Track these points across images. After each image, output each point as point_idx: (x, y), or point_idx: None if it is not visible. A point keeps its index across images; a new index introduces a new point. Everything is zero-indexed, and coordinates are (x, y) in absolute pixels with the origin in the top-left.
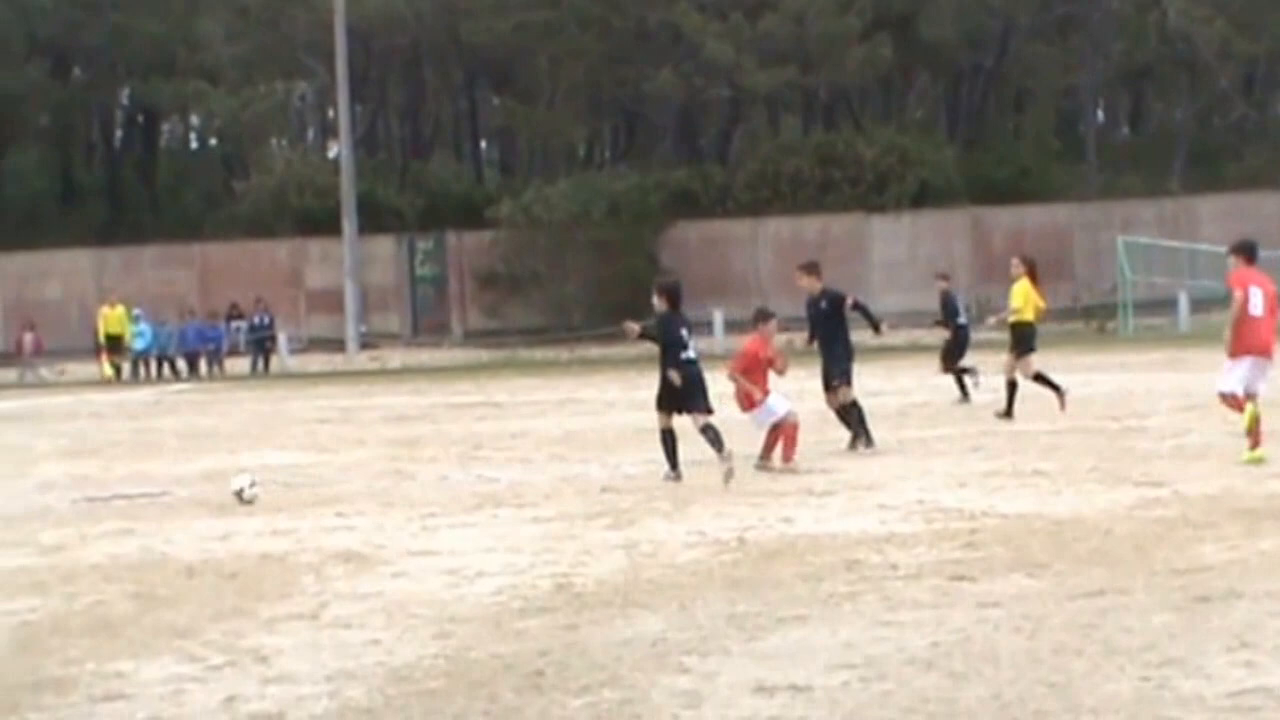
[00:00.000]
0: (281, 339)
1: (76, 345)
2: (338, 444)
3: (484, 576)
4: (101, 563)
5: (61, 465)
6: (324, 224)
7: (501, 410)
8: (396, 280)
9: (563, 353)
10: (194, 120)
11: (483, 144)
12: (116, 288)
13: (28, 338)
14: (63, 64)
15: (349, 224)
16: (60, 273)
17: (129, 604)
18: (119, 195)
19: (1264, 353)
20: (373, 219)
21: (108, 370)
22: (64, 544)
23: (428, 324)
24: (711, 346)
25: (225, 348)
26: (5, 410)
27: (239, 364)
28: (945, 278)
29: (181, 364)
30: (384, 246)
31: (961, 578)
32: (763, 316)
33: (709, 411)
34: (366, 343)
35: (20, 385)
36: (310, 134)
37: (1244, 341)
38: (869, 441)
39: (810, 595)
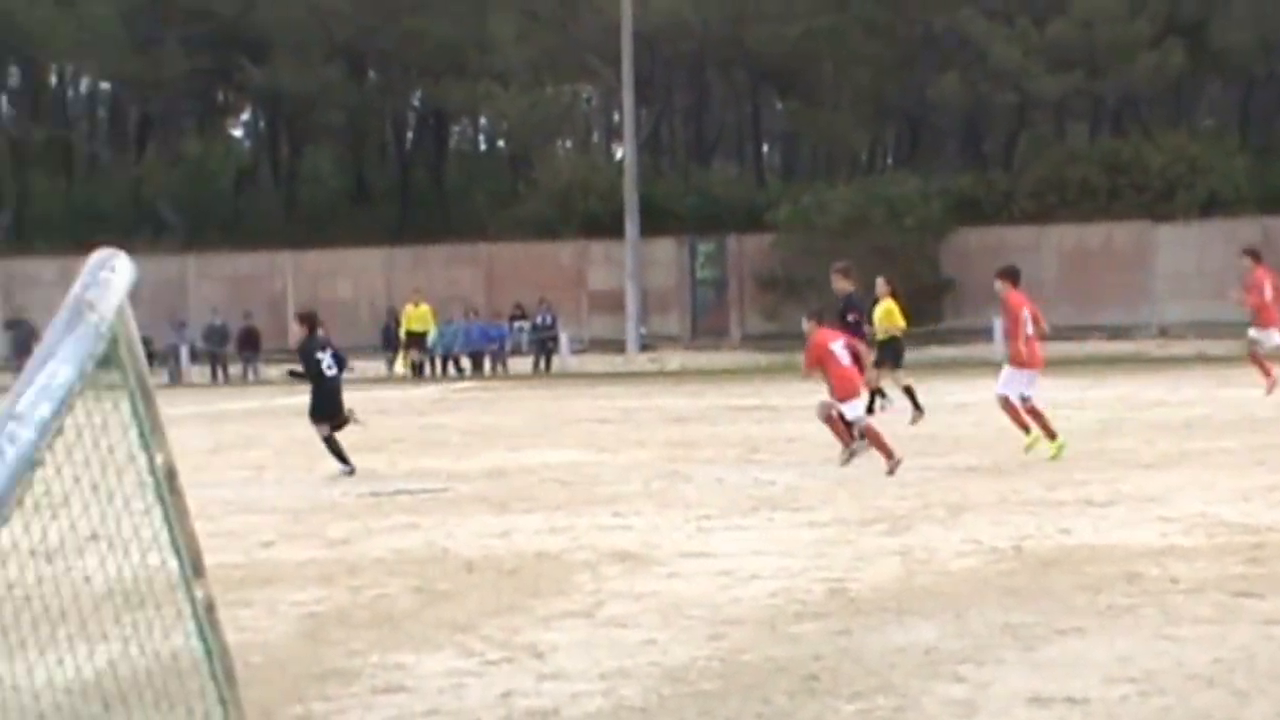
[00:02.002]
0: (563, 339)
1: (365, 343)
2: (616, 444)
3: (758, 579)
4: (385, 557)
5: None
6: (607, 226)
7: (778, 413)
8: (677, 282)
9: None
10: (483, 122)
11: (764, 148)
12: (421, 287)
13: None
14: (358, 66)
15: (631, 226)
16: (351, 271)
17: (411, 598)
18: (409, 195)
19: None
20: (655, 221)
21: (401, 368)
22: (350, 537)
23: (707, 326)
24: (990, 354)
25: (508, 347)
26: (296, 405)
27: (521, 363)
28: None
29: (466, 362)
30: (665, 249)
31: (1245, 594)
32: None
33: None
34: (646, 344)
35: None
36: (595, 136)
37: (1035, 355)
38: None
39: (1088, 607)
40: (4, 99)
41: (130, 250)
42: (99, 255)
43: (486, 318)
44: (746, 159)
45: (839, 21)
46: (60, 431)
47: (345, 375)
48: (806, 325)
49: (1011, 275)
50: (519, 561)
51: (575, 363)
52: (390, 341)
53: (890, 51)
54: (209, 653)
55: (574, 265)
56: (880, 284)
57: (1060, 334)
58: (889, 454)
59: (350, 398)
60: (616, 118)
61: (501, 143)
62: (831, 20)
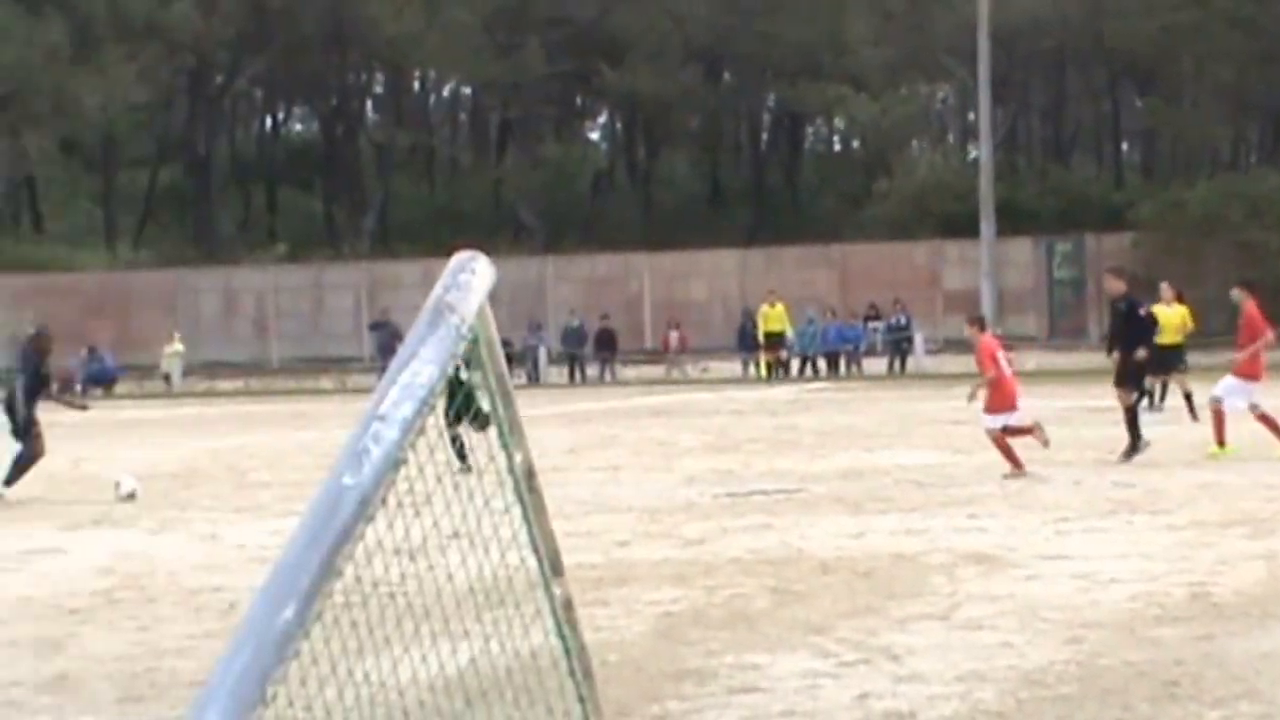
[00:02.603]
0: (918, 340)
1: (719, 344)
2: (971, 445)
3: (1117, 583)
4: (740, 557)
5: (704, 460)
6: (962, 226)
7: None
8: (1034, 283)
9: (1202, 358)
10: (837, 123)
11: (1124, 145)
12: (775, 288)
13: (673, 335)
14: (714, 69)
15: (987, 226)
16: (705, 273)
17: (766, 598)
18: (763, 197)
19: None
20: (1011, 221)
21: (762, 368)
22: (705, 537)
23: (1064, 327)
24: None
25: (863, 348)
26: (653, 405)
27: (876, 364)
28: None
29: (821, 363)
30: (1021, 249)
31: None
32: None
33: None
34: (1002, 345)
35: (667, 381)
36: (950, 136)
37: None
38: (1134, 449)
39: None
40: (369, 105)
41: (490, 252)
42: (460, 257)
43: (841, 319)
44: (1105, 157)
45: (1200, 16)
46: (423, 431)
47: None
48: (968, 331)
49: (1249, 286)
50: (874, 563)
51: (930, 363)
52: (745, 342)
53: (1253, 45)
54: (568, 651)
55: (928, 266)
56: (1165, 289)
57: None
58: (1016, 463)
59: (705, 398)
60: (972, 117)
61: (856, 144)
62: (1192, 15)
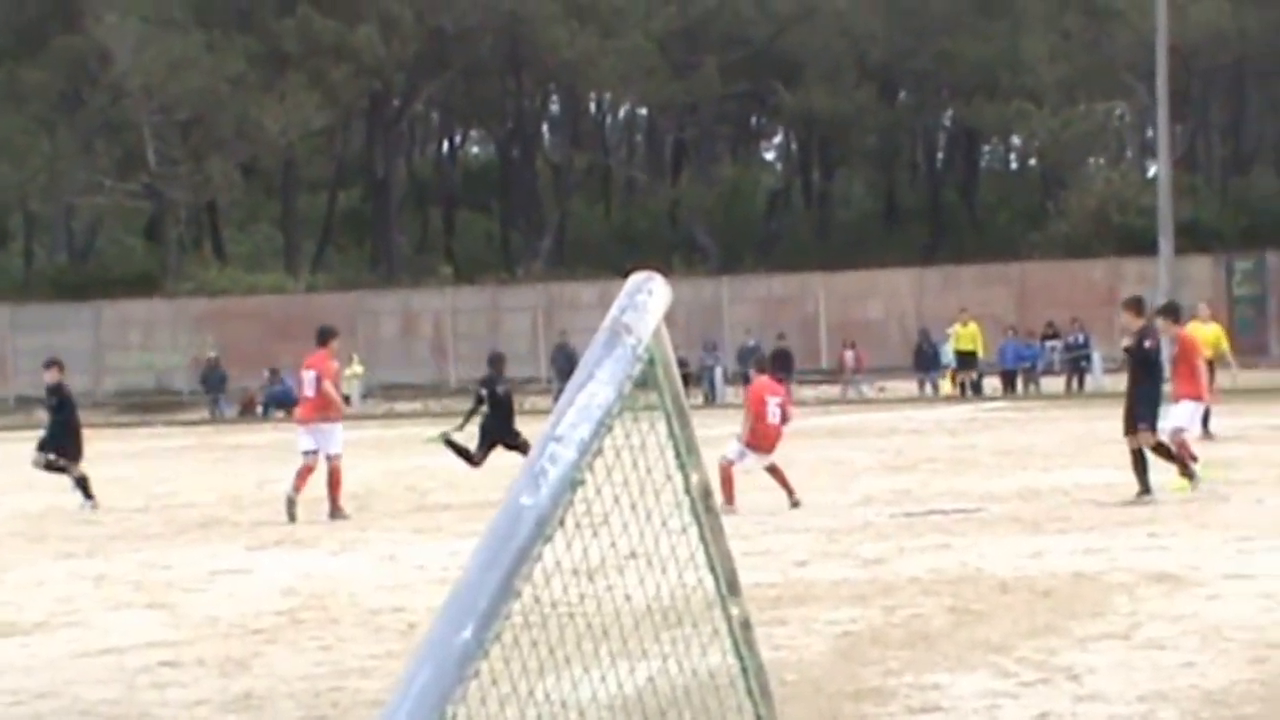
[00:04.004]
0: (1096, 358)
1: (896, 363)
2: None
3: None
4: (919, 576)
5: (881, 480)
6: (1142, 243)
7: None
8: (1214, 300)
9: None
10: (1014, 141)
11: None
12: (967, 306)
13: (849, 355)
14: (889, 88)
15: (1165, 243)
16: (881, 292)
17: (945, 617)
18: (940, 215)
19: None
20: (1191, 238)
21: (950, 387)
22: (883, 557)
23: (1246, 344)
24: None
25: (1041, 366)
26: (829, 425)
27: (1054, 383)
28: None
29: (997, 382)
30: (1201, 266)
31: None
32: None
33: None
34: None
35: (843, 401)
36: (1129, 153)
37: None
38: (1144, 490)
39: None
40: (545, 127)
41: (666, 273)
42: (636, 278)
43: (1020, 337)
44: None
45: None
46: (600, 452)
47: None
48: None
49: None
50: (1054, 582)
51: (1109, 382)
52: (922, 362)
53: None
54: (745, 670)
55: (1106, 283)
56: (1202, 308)
57: None
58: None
59: (882, 418)
60: (1150, 134)
61: (1033, 161)
62: None
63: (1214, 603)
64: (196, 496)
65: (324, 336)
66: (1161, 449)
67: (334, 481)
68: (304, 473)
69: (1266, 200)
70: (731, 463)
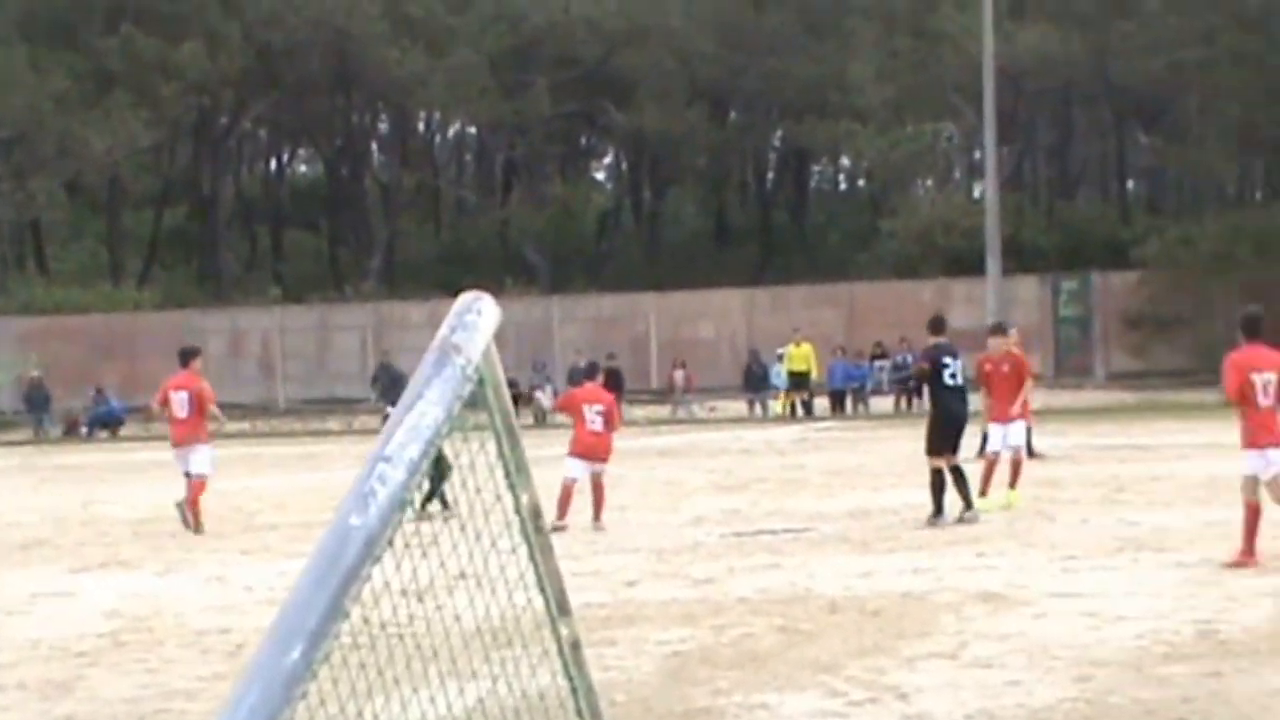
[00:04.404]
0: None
1: (727, 383)
2: (977, 483)
3: (1124, 620)
4: (748, 596)
5: (711, 500)
6: (968, 264)
7: (1145, 453)
8: (1040, 321)
9: (1208, 395)
10: (843, 161)
11: (1129, 183)
12: (800, 327)
13: (679, 375)
14: (720, 107)
15: (993, 264)
16: (712, 312)
17: (774, 637)
18: (770, 235)
19: None
20: (1017, 259)
21: (780, 408)
22: (713, 577)
23: (1070, 365)
24: None
25: (870, 386)
26: (659, 446)
27: (883, 403)
28: None
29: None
30: (1028, 287)
31: None
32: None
33: None
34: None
35: (674, 421)
36: (956, 174)
37: None
38: (937, 512)
39: None
40: (374, 146)
41: (496, 293)
42: (465, 298)
43: (849, 357)
44: (1111, 195)
45: (1206, 54)
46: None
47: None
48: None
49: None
50: (882, 602)
51: None
52: (752, 382)
53: (1259, 81)
54: (575, 691)
55: (935, 304)
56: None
57: None
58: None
59: (712, 438)
60: (978, 155)
61: (862, 182)
62: (1198, 52)
63: (1040, 621)
64: (19, 518)
65: (186, 356)
66: (955, 471)
67: (194, 498)
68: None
69: (1091, 222)
70: (574, 481)
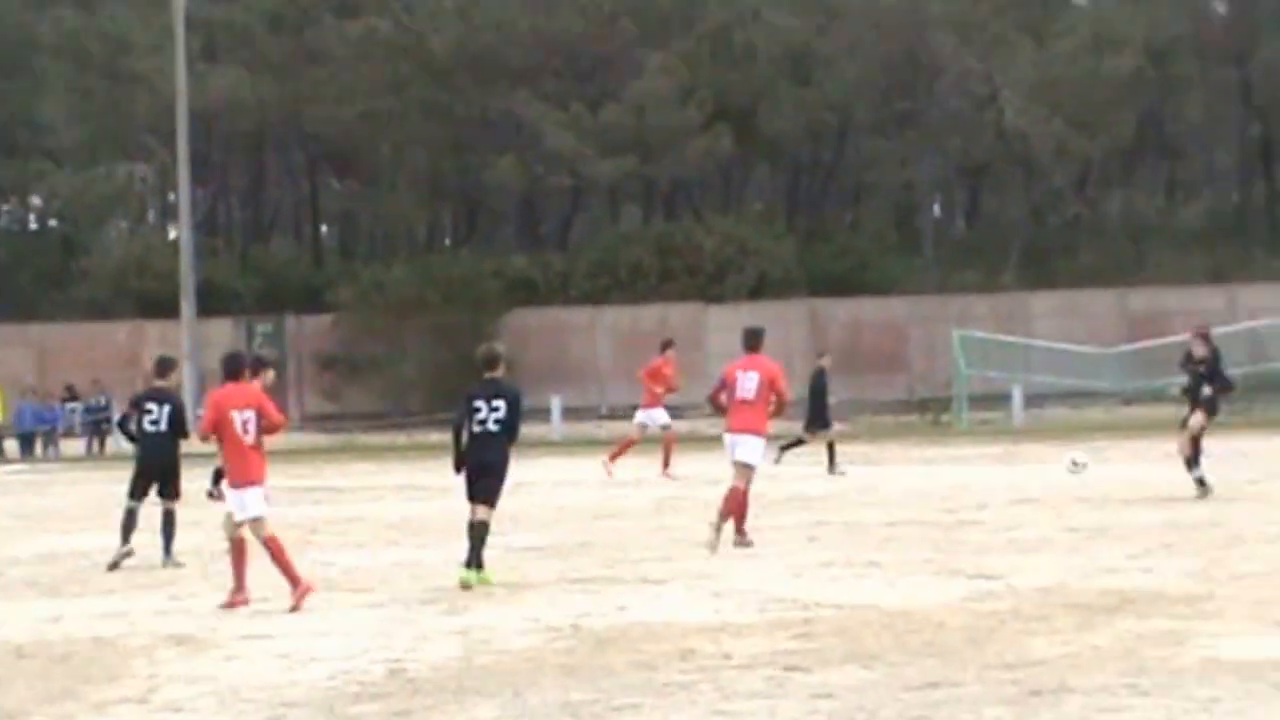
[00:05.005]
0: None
1: None
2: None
3: (317, 661)
4: None
5: None
6: (164, 305)
7: (338, 495)
8: None
9: (400, 437)
10: (34, 200)
11: (323, 228)
12: None
13: None
14: None
15: (187, 306)
16: None
17: None
18: None
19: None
20: (212, 301)
21: None
22: None
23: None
24: (549, 434)
25: (61, 429)
26: None
27: (75, 445)
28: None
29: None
30: (222, 329)
31: (795, 668)
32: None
33: None
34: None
35: None
36: (151, 216)
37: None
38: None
39: (644, 684)
40: None
41: None
42: None
43: (39, 399)
44: (305, 238)
45: (395, 104)
46: None
47: None
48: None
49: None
50: (72, 647)
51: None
52: None
53: (447, 132)
54: None
55: (130, 346)
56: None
57: (618, 413)
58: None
59: None
60: (172, 197)
61: (53, 222)
62: (388, 102)
63: (232, 663)
64: None
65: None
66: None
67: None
68: None
69: (284, 265)
70: None
